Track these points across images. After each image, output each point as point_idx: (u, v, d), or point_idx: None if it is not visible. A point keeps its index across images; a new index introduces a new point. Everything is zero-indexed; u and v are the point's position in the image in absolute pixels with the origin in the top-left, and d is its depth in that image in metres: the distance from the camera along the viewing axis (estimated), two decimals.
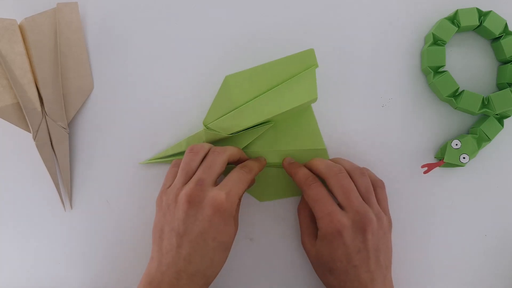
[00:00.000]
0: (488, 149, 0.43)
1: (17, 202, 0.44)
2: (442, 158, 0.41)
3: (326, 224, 0.36)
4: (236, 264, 0.42)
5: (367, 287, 0.36)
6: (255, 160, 0.41)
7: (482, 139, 0.41)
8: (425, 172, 0.41)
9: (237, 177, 0.37)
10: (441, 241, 0.43)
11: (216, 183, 0.37)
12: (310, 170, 0.40)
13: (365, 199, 0.37)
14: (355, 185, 0.37)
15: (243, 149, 0.42)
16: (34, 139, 0.42)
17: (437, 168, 0.43)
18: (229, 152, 0.38)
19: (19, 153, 0.44)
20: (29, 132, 0.42)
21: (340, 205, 0.37)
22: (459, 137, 0.42)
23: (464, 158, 0.41)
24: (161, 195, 0.38)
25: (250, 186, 0.42)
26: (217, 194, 0.35)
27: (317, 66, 0.40)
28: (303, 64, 0.40)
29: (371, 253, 0.36)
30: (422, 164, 0.41)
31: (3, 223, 0.43)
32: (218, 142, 0.41)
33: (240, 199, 0.37)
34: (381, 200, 0.39)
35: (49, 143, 0.42)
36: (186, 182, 0.37)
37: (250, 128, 0.41)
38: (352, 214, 0.36)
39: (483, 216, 0.43)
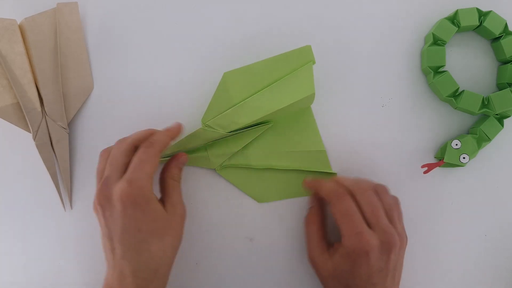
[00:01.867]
0: (488, 149, 0.43)
1: (17, 202, 0.44)
2: (442, 158, 0.41)
3: (354, 243, 0.35)
4: (236, 264, 0.42)
5: None
6: (160, 131, 0.38)
7: (482, 139, 0.41)
8: (425, 172, 0.41)
9: (137, 158, 0.35)
10: (441, 241, 0.43)
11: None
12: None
13: (389, 217, 0.37)
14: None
15: (242, 149, 0.42)
16: (34, 139, 0.42)
17: (437, 168, 0.43)
18: (130, 137, 0.37)
19: (19, 153, 0.44)
20: (29, 132, 0.42)
21: (366, 222, 0.36)
22: (459, 137, 0.42)
23: (464, 158, 0.41)
24: None
25: (182, 164, 0.40)
26: (119, 186, 0.34)
27: (314, 62, 0.40)
28: (300, 60, 0.40)
29: (390, 271, 0.36)
30: (422, 164, 0.41)
31: (3, 223, 0.43)
32: (217, 141, 0.41)
33: (152, 177, 0.35)
34: (399, 217, 0.38)
35: (49, 143, 0.42)
36: None
37: (249, 127, 0.41)
38: (380, 234, 0.35)
39: (483, 216, 0.43)
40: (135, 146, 0.37)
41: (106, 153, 0.38)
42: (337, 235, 0.37)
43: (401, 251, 0.36)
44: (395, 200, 0.39)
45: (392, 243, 0.35)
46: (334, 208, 0.37)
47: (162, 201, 0.38)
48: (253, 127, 0.41)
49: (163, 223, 0.35)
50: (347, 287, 0.36)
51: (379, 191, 0.38)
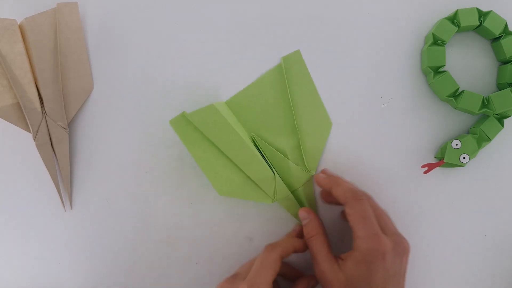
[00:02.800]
0: (488, 149, 0.43)
1: (17, 202, 0.44)
2: (442, 158, 0.41)
3: (370, 245, 0.34)
4: (236, 264, 0.42)
5: None
6: (285, 238, 0.39)
7: (482, 139, 0.41)
8: (425, 172, 0.41)
9: (259, 262, 0.35)
10: (441, 241, 0.43)
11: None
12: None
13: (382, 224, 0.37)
14: None
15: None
16: (34, 139, 0.42)
17: (437, 168, 0.43)
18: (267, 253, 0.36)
19: (19, 153, 0.44)
20: (29, 132, 0.42)
21: None
22: (459, 137, 0.42)
23: (464, 158, 0.41)
24: None
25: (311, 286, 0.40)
26: None
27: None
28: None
29: (401, 277, 0.35)
30: (422, 164, 0.41)
31: (4, 223, 0.43)
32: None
33: (272, 284, 0.35)
34: (392, 224, 0.38)
35: (49, 143, 0.42)
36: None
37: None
38: (392, 237, 0.35)
39: (483, 216, 0.43)
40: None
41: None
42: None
43: (408, 256, 0.36)
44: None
45: (405, 246, 0.35)
46: (352, 209, 0.36)
47: None
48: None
49: None
50: None
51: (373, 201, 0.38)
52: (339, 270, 0.35)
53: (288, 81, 0.42)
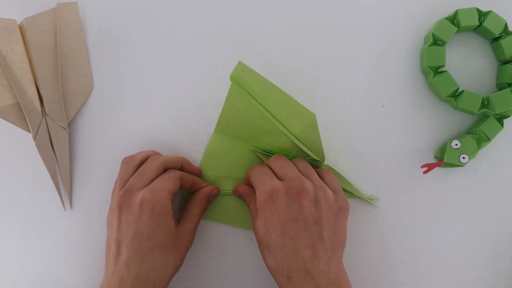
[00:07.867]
0: (488, 149, 0.43)
1: (17, 202, 0.44)
2: (442, 158, 0.41)
3: (260, 191, 0.36)
4: (236, 264, 0.42)
5: (306, 264, 0.33)
6: (189, 164, 0.41)
7: (482, 139, 0.41)
8: (425, 172, 0.41)
9: (161, 177, 0.38)
10: (441, 241, 0.43)
11: None
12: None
13: (304, 174, 0.37)
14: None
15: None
16: (34, 139, 0.42)
17: (437, 168, 0.43)
18: (163, 158, 0.39)
19: (19, 153, 0.44)
20: (29, 132, 0.42)
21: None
22: (459, 137, 0.42)
23: (464, 158, 0.41)
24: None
25: (213, 197, 0.41)
26: (142, 193, 0.35)
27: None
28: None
29: (310, 224, 0.34)
30: (422, 164, 0.41)
31: (4, 223, 0.43)
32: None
33: (171, 195, 0.37)
34: (330, 182, 0.38)
35: (49, 143, 0.42)
36: None
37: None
38: (287, 181, 0.35)
39: (483, 216, 0.43)
40: (165, 168, 0.39)
41: (131, 162, 0.39)
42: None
43: (324, 204, 0.35)
44: (323, 171, 0.39)
45: (299, 188, 0.35)
46: (250, 176, 0.39)
47: (178, 220, 0.38)
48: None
49: (172, 240, 0.36)
50: (268, 249, 0.35)
51: (294, 160, 0.39)
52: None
53: (250, 92, 0.40)
